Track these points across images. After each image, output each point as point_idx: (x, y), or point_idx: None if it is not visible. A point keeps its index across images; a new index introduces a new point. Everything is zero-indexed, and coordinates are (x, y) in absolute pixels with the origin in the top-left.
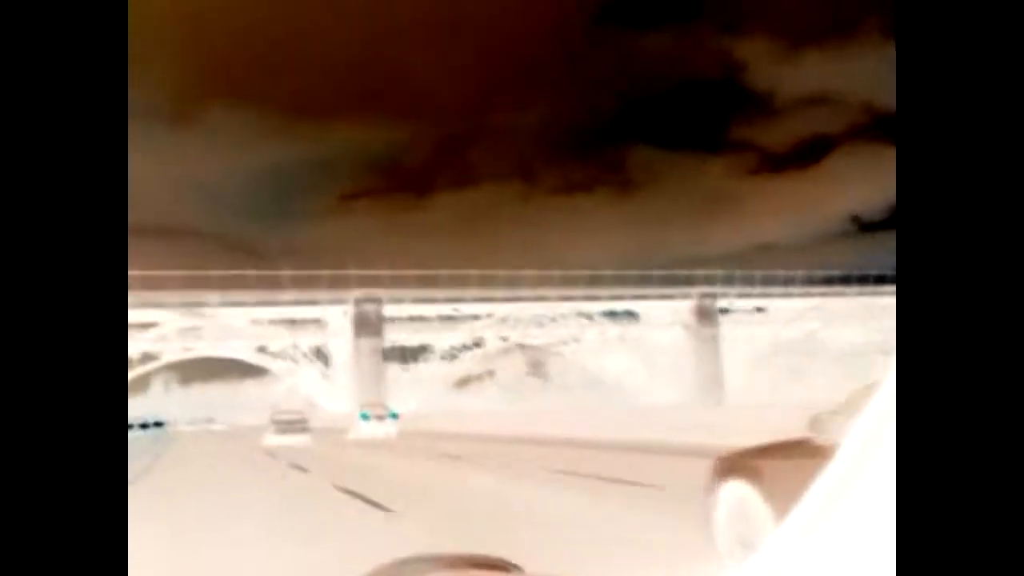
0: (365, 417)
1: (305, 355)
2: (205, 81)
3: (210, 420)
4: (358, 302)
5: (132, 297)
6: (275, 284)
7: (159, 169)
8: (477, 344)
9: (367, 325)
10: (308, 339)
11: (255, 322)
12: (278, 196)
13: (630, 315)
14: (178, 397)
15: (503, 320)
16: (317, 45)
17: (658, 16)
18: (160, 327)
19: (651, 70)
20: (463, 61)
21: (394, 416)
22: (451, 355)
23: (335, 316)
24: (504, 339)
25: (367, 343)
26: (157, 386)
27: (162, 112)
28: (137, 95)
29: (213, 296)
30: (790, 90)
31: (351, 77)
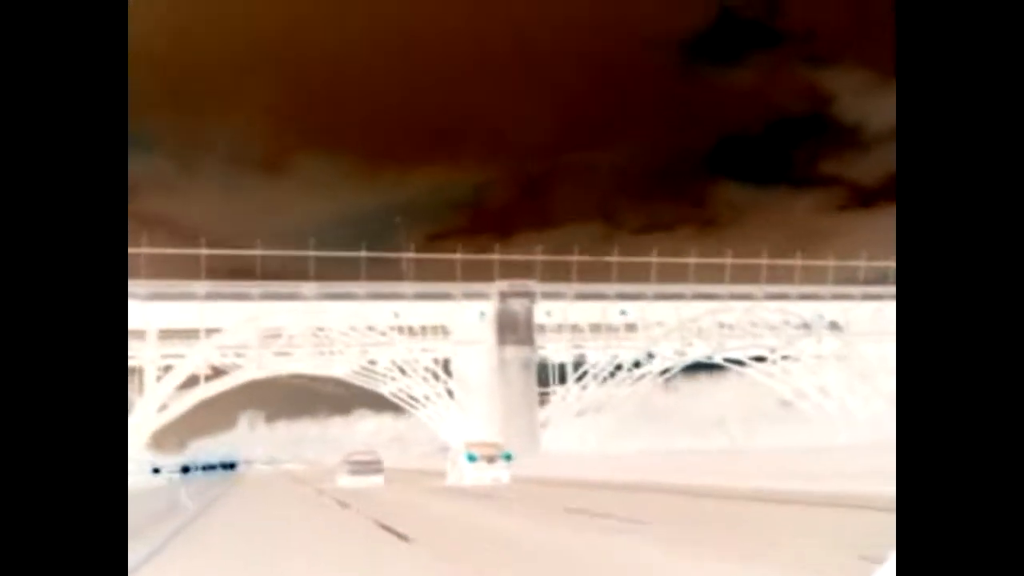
0: (471, 459)
1: (428, 371)
2: (294, 131)
3: (286, 460)
4: (504, 297)
5: (180, 286)
6: (384, 272)
7: (248, 214)
8: (649, 357)
9: (513, 329)
10: (431, 349)
11: (355, 330)
12: (366, 237)
13: (833, 325)
14: (263, 435)
15: (689, 327)
16: (398, 92)
17: (741, 47)
18: (226, 333)
19: (737, 104)
20: (544, 101)
21: (508, 458)
22: (610, 373)
23: (468, 317)
24: (682, 353)
25: (515, 354)
26: (242, 424)
27: (254, 160)
28: (233, 144)
29: (308, 286)
30: (879, 122)
31: (432, 121)
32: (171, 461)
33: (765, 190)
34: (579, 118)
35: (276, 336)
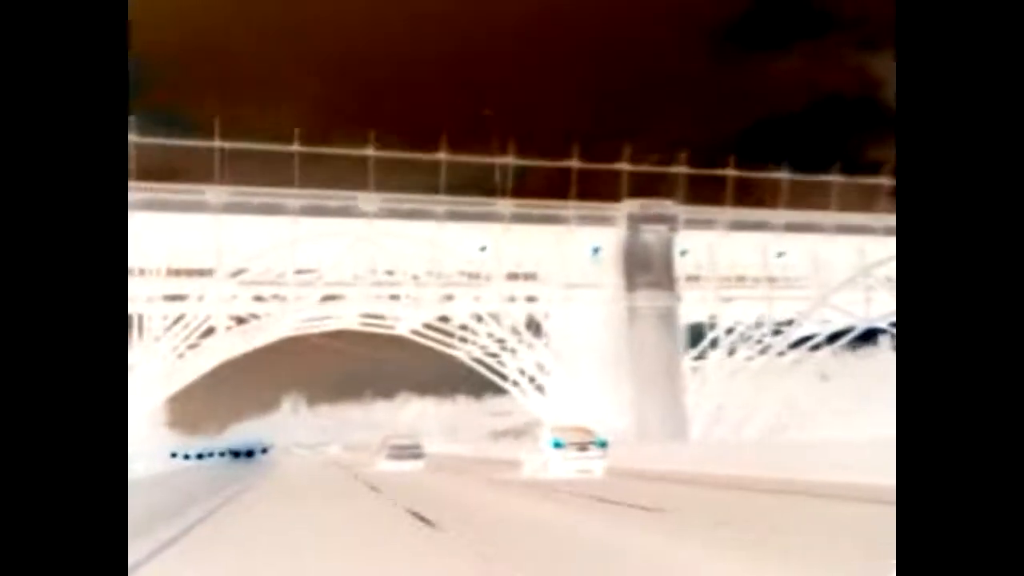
0: (557, 446)
1: (519, 329)
2: (333, 121)
3: (328, 444)
4: (634, 223)
5: (187, 191)
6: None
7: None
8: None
9: (646, 269)
10: (528, 296)
11: (430, 273)
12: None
13: None
14: (304, 419)
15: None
16: (435, 87)
17: (789, 35)
18: (251, 263)
19: (781, 89)
20: (577, 86)
21: (602, 445)
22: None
23: (578, 252)
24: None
25: (649, 303)
26: (285, 407)
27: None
28: (269, 132)
29: (367, 198)
30: None
31: (461, 104)
32: (201, 445)
33: (811, 176)
34: (614, 104)
35: (314, 274)
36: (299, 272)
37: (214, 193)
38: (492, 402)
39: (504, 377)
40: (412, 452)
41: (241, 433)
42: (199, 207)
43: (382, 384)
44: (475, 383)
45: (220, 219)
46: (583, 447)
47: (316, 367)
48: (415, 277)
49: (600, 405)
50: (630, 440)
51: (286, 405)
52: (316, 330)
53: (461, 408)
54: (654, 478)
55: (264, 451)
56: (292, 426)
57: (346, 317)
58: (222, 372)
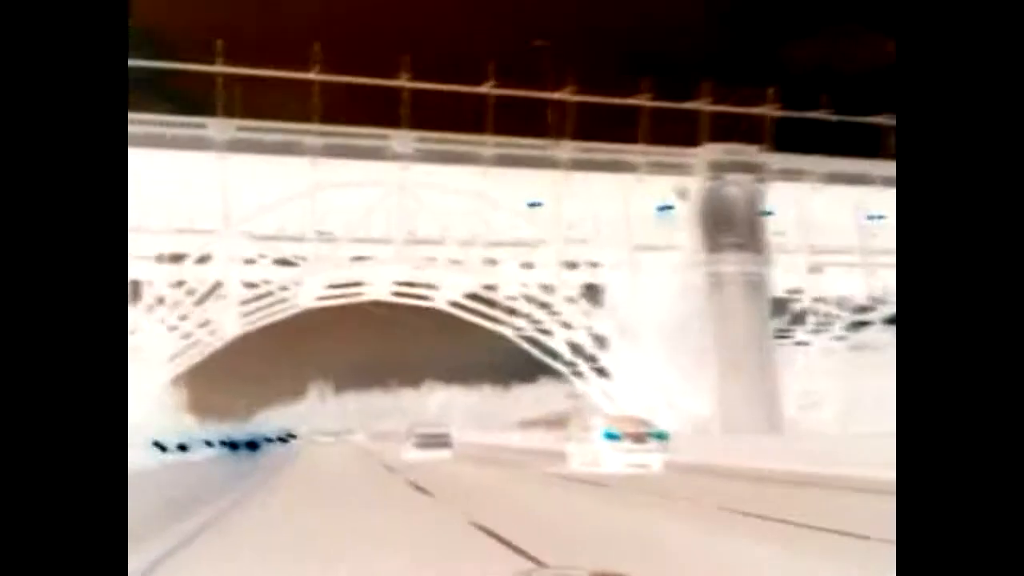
0: (611, 437)
1: (575, 300)
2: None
3: (354, 432)
4: (716, 172)
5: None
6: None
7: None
8: None
9: (729, 227)
10: (588, 261)
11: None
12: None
13: None
14: (332, 406)
15: None
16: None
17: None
18: (265, 212)
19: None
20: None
21: (662, 438)
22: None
23: (650, 206)
24: None
25: (735, 267)
26: (312, 394)
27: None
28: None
29: (400, 136)
30: None
31: (511, 30)
32: (222, 432)
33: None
34: None
35: (333, 237)
36: (320, 233)
37: (217, 127)
38: (521, 390)
39: (557, 356)
40: (440, 441)
41: (266, 420)
42: (199, 144)
43: (408, 373)
44: (508, 370)
45: (225, 160)
46: (639, 439)
47: (344, 341)
48: (458, 239)
49: (675, 390)
50: (713, 430)
51: (313, 393)
52: (341, 300)
53: (486, 395)
54: (751, 477)
55: (285, 439)
56: (320, 414)
57: (376, 285)
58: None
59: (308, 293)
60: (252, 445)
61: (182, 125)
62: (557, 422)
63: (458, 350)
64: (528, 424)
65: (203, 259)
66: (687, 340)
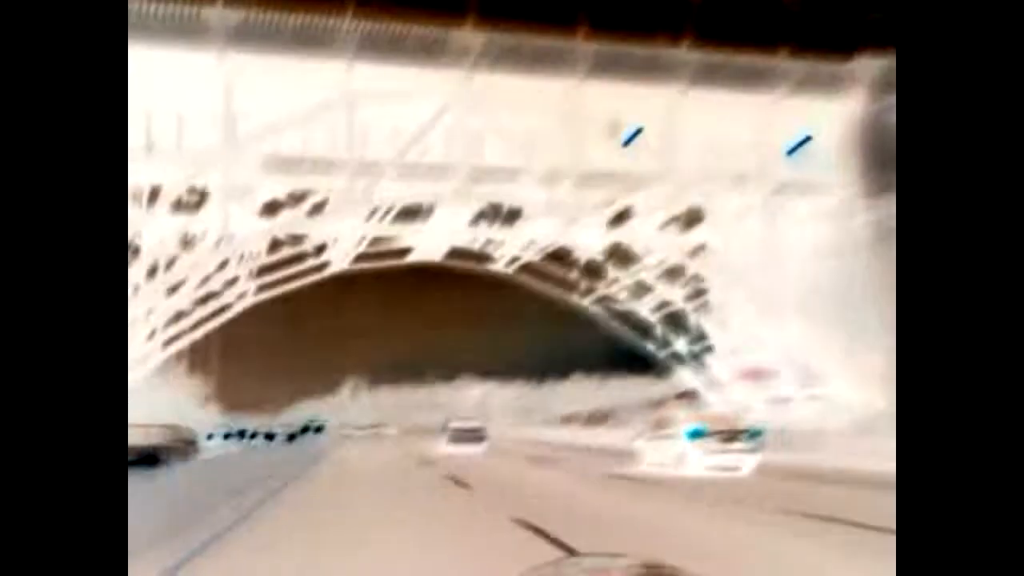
0: (697, 435)
1: (680, 260)
2: None
3: (387, 426)
4: (878, 90)
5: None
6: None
7: None
8: None
9: (893, 164)
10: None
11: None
12: None
13: None
14: (365, 401)
15: None
16: None
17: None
18: (284, 126)
19: None
20: None
21: (755, 435)
22: None
23: (791, 134)
24: None
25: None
26: (345, 390)
27: None
28: None
29: (459, 31)
30: None
31: None
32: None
33: None
34: None
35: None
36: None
37: (218, 15)
38: (562, 386)
39: (650, 335)
40: (474, 435)
41: (298, 415)
42: (194, 33)
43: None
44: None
45: (226, 58)
46: (730, 437)
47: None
48: (538, 174)
49: (824, 377)
50: (881, 429)
51: (345, 389)
52: (383, 264)
53: (523, 388)
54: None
55: (319, 429)
56: (352, 408)
57: (432, 242)
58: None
59: (340, 251)
60: (269, 437)
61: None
62: (600, 418)
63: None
64: (570, 419)
65: (196, 197)
66: (843, 312)
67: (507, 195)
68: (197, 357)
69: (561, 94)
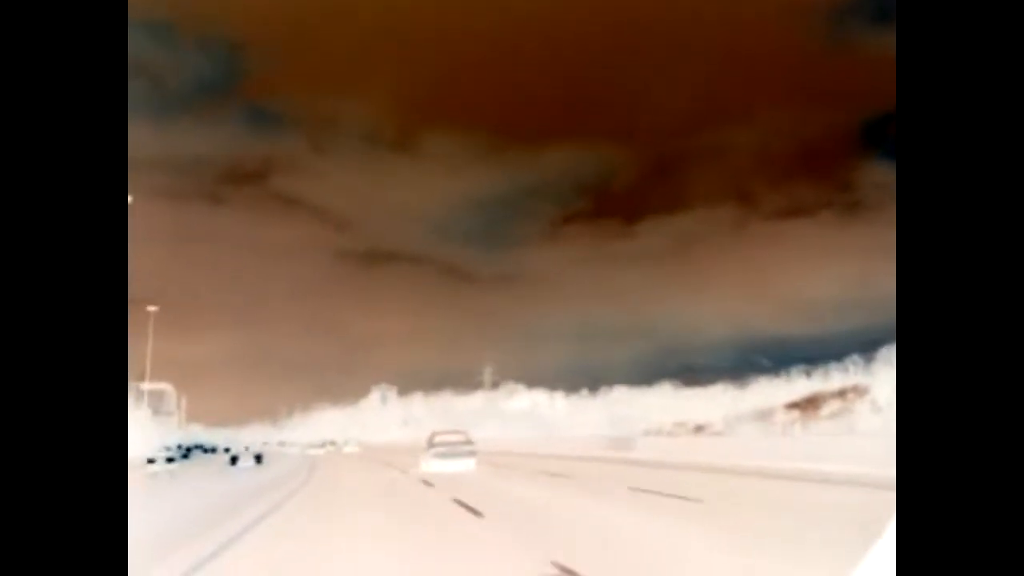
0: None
1: None
2: (422, 108)
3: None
4: None
5: None
6: None
7: (378, 193)
8: None
9: None
10: None
11: None
12: (491, 221)
13: None
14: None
15: None
16: (528, 70)
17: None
18: None
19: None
20: (676, 74)
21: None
22: None
23: None
24: None
25: None
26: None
27: (384, 138)
28: (360, 121)
29: None
30: None
31: (561, 99)
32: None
33: None
34: (715, 93)
35: None
36: None
37: None
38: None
39: None
40: (462, 449)
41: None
42: None
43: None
44: None
45: None
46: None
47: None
48: None
49: None
50: None
51: (375, 395)
52: None
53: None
54: None
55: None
56: (382, 415)
57: None
58: None
59: None
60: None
61: None
62: None
63: None
64: (652, 433)
65: None
66: None
67: None
68: None
69: None
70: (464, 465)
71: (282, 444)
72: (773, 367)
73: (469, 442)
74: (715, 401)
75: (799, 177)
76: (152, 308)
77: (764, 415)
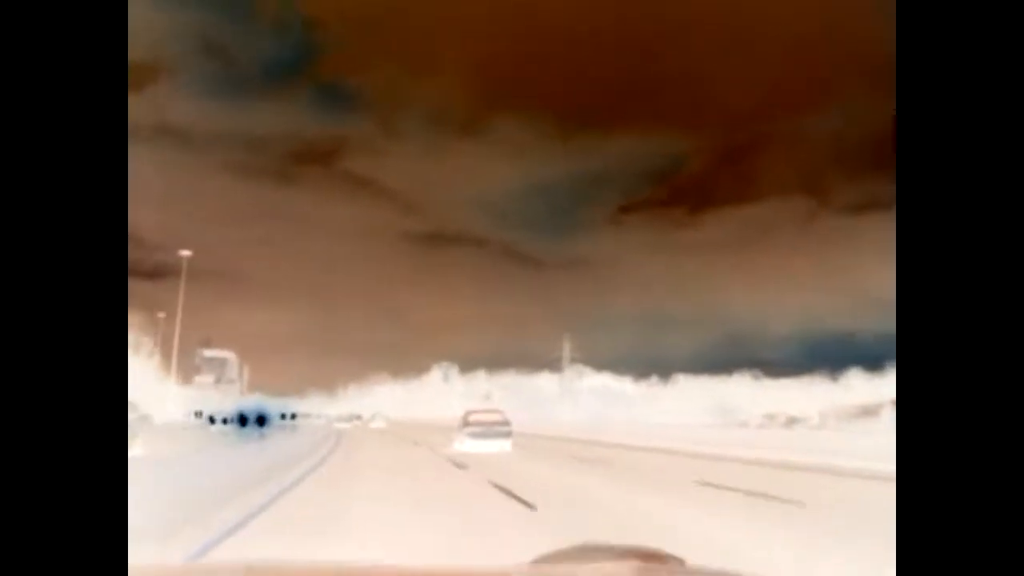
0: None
1: None
2: (491, 93)
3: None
4: None
5: None
6: None
7: (445, 176)
8: None
9: None
10: None
11: None
12: (556, 206)
13: None
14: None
15: None
16: (597, 56)
17: None
18: None
19: None
20: (748, 61)
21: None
22: None
23: None
24: None
25: None
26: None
27: (452, 121)
28: (429, 104)
29: None
30: None
31: (631, 86)
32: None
33: None
34: (789, 81)
35: None
36: None
37: None
38: None
39: None
40: (498, 429)
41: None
42: None
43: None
44: None
45: None
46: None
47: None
48: None
49: None
50: None
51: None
52: None
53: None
54: None
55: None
56: (444, 393)
57: None
58: None
59: None
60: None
61: None
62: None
63: None
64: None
65: None
66: None
67: None
68: None
69: None
70: (499, 446)
71: (307, 416)
72: (868, 363)
73: (506, 422)
74: (805, 394)
75: (873, 169)
76: (185, 252)
77: (868, 411)
